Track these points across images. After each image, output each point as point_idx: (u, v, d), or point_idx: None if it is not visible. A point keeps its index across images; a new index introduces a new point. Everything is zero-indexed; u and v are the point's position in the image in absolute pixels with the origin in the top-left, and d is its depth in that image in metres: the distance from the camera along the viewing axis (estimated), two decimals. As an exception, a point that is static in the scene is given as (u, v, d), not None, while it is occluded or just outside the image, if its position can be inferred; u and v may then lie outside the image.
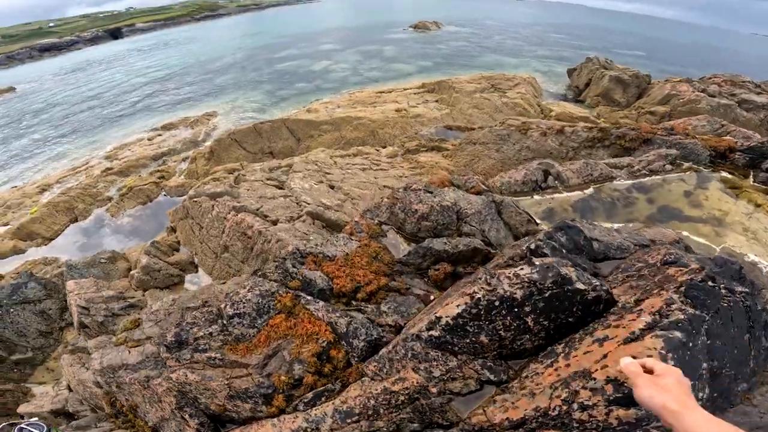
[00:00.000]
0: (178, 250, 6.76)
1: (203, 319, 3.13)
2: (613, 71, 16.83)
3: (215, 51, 36.10)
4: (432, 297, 3.34)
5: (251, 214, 5.25)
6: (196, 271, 6.41)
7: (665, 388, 0.88)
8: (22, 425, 1.47)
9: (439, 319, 2.29)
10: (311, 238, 4.98)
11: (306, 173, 7.33)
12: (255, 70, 26.51)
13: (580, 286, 2.10)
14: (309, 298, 3.08)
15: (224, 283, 5.10)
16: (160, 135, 14.06)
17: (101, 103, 22.48)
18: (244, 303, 3.02)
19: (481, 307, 2.19)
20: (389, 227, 4.06)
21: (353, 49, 30.50)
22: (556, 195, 4.66)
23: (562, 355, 1.95)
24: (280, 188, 6.90)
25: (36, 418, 1.72)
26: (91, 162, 13.04)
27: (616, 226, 4.43)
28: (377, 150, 9.61)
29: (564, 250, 2.81)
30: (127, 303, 5.72)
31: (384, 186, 7.18)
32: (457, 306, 2.24)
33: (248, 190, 6.59)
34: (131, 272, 6.38)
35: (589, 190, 4.82)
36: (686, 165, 5.44)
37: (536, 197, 4.64)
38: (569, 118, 12.41)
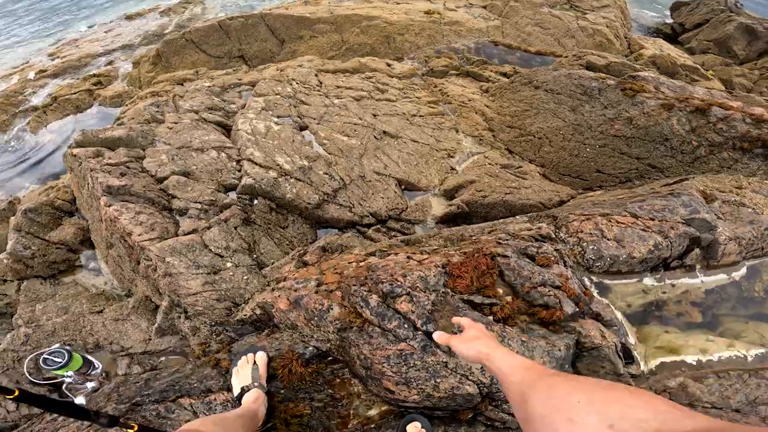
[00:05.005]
0: (71, 214, 4.50)
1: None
2: (745, 18, 11.94)
3: None
4: None
5: (133, 206, 2.89)
6: (93, 249, 4.22)
7: (474, 337, 1.01)
8: (45, 355, 1.46)
9: None
10: (228, 264, 2.77)
11: (270, 100, 4.80)
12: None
13: None
14: None
15: (101, 310, 3.11)
16: (119, 26, 10.98)
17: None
18: None
19: None
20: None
21: None
22: (683, 280, 2.25)
23: None
24: (222, 126, 4.47)
25: (57, 345, 1.67)
26: (32, 61, 10.38)
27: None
28: (388, 65, 6.74)
29: None
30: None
31: (384, 132, 4.66)
32: None
33: (170, 130, 4.20)
34: (1, 256, 3.91)
35: (741, 272, 2.35)
36: None
37: (647, 281, 2.21)
38: (669, 65, 8.64)
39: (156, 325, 2.69)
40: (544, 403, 0.67)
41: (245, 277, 2.75)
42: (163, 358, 2.64)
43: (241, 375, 1.75)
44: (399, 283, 1.81)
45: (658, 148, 4.05)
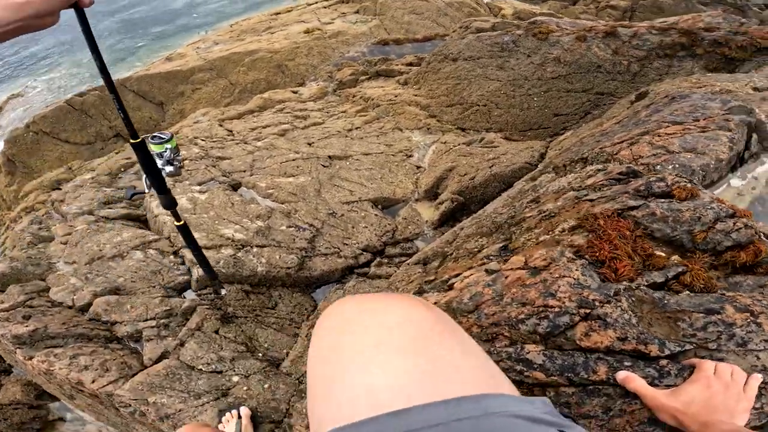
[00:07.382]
0: (8, 371, 3.21)
1: None
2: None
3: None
4: None
5: (62, 350, 1.95)
6: (59, 400, 3.17)
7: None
8: (155, 133, 1.72)
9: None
10: (234, 378, 1.93)
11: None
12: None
13: None
14: None
15: None
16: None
17: None
18: None
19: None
20: None
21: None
22: (758, 169, 2.13)
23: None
24: (132, 219, 3.49)
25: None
26: None
27: None
28: (294, 92, 6.16)
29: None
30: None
31: (329, 157, 4.07)
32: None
33: (66, 244, 3.13)
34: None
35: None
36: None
37: (735, 181, 2.04)
38: (531, 16, 9.44)
39: None
40: None
41: (266, 385, 1.97)
42: None
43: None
44: (557, 309, 1.21)
45: (597, 76, 4.07)
